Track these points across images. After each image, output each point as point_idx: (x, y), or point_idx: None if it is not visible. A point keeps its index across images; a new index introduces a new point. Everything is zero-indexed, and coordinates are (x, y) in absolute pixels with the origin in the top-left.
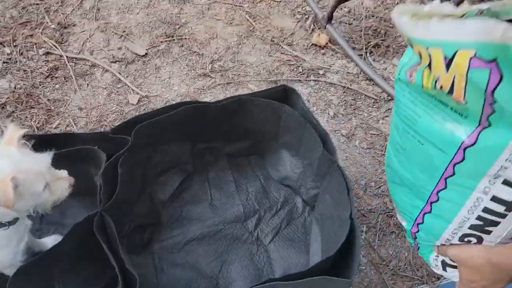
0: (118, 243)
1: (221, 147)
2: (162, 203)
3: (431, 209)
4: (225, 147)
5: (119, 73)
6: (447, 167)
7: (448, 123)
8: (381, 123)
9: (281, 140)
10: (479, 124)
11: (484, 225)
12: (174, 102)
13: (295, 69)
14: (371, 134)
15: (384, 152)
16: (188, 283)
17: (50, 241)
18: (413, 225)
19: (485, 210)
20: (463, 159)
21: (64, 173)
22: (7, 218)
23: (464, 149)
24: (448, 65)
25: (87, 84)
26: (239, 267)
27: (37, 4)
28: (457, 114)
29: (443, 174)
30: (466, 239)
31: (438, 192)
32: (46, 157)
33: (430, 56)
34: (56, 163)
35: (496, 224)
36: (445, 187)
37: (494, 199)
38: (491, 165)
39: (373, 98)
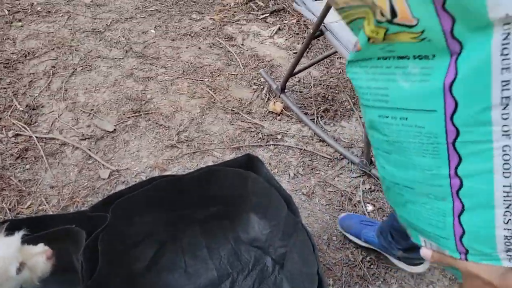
0: None
1: (192, 214)
2: (139, 274)
3: (462, 203)
4: (196, 214)
5: (89, 149)
6: (446, 127)
7: (419, 76)
8: (336, 180)
9: (249, 204)
10: (449, 50)
11: None
12: (144, 174)
13: (255, 135)
14: (329, 191)
15: (341, 206)
16: None
17: None
18: (456, 243)
19: None
20: (456, 103)
21: (40, 247)
22: None
23: (451, 90)
24: None
25: (58, 162)
26: None
27: (5, 88)
28: (423, 60)
29: (447, 140)
30: None
31: (456, 170)
32: (13, 239)
33: None
34: (35, 244)
35: None
36: (460, 158)
37: None
38: (490, 89)
39: (328, 158)
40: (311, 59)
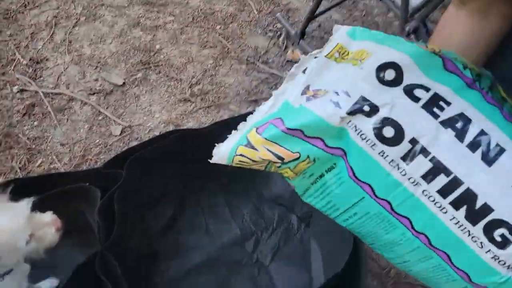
0: (124, 282)
1: (211, 170)
2: (157, 234)
3: (442, 251)
4: (215, 170)
5: (98, 105)
6: (379, 203)
7: (337, 181)
8: None
9: None
10: (337, 155)
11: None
12: (157, 130)
13: (274, 87)
14: None
15: None
16: None
17: (46, 285)
18: (473, 285)
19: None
20: (369, 185)
21: (48, 216)
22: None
23: (359, 179)
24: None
25: (67, 118)
26: None
27: (6, 40)
28: (332, 171)
29: (388, 210)
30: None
31: (414, 229)
32: (23, 207)
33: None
34: (47, 204)
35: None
36: (407, 218)
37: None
38: (379, 163)
39: None
40: (331, 1)
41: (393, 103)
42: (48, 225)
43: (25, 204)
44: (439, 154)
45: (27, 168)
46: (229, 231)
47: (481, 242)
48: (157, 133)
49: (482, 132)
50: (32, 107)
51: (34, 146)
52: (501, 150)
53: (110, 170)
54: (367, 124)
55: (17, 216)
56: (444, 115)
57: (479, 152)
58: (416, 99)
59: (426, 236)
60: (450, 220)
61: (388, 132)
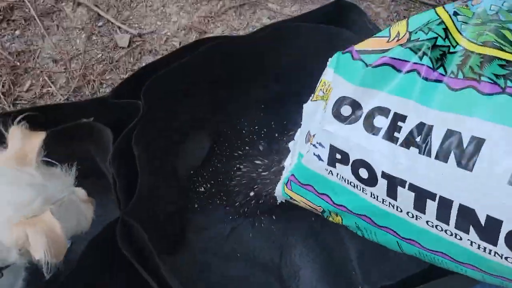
0: (154, 255)
1: (251, 94)
2: (190, 178)
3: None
4: (256, 93)
5: (95, 5)
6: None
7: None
8: None
9: None
10: None
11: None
12: (176, 40)
13: None
14: None
15: None
16: (244, 280)
17: None
18: None
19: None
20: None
21: (81, 192)
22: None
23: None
24: None
25: (57, 25)
26: (304, 250)
27: None
28: None
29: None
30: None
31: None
32: (70, 177)
33: None
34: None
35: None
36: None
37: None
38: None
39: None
40: None
41: (358, 144)
42: (87, 203)
43: (71, 172)
44: (415, 180)
45: (13, 93)
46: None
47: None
48: (176, 43)
49: (449, 133)
50: (11, 11)
51: (19, 63)
52: (479, 143)
53: (122, 101)
54: (347, 171)
55: (68, 186)
56: (401, 136)
57: (452, 159)
58: (377, 131)
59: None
60: (470, 245)
61: (363, 173)
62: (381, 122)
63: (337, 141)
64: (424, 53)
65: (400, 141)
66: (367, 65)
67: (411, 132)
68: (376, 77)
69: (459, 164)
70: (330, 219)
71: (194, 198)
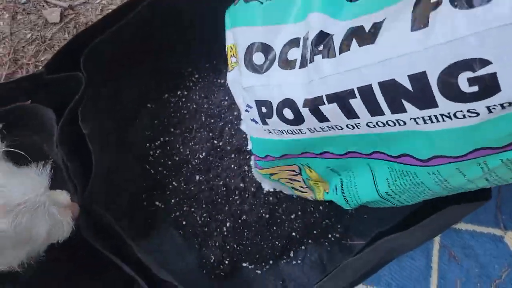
0: (124, 237)
1: (208, 55)
2: (147, 156)
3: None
4: (210, 54)
5: None
6: None
7: None
8: None
9: None
10: None
11: None
12: (113, 7)
13: None
14: None
15: None
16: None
17: None
18: None
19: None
20: None
21: (63, 195)
22: None
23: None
24: None
25: None
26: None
27: None
28: None
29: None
30: None
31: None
32: (43, 176)
33: None
34: None
35: None
36: None
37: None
38: None
39: None
40: None
41: (278, 85)
42: (64, 209)
43: (43, 172)
44: (328, 89)
45: None
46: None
47: None
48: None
49: (350, 30)
50: None
51: None
52: (379, 24)
53: (61, 74)
54: (275, 121)
55: (37, 186)
56: (308, 54)
57: (354, 44)
58: (293, 64)
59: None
60: (416, 123)
61: (288, 113)
62: (295, 53)
63: (259, 93)
64: None
65: (308, 58)
66: (262, 3)
67: (313, 43)
68: (277, 8)
69: (361, 43)
70: (311, 182)
71: (157, 173)
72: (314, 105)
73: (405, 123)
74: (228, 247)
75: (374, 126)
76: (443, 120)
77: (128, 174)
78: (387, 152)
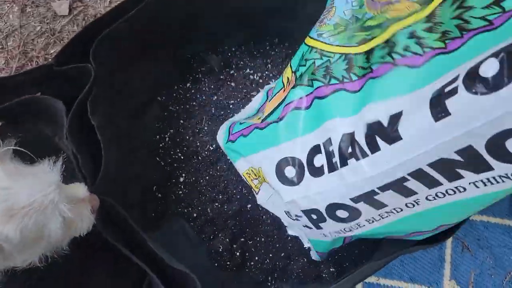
0: (134, 227)
1: (215, 45)
2: (164, 146)
3: None
4: (222, 44)
5: None
6: None
7: None
8: None
9: (303, 15)
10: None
11: None
12: None
13: None
14: None
15: None
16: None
17: None
18: None
19: None
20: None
21: (80, 188)
22: None
23: None
24: None
25: None
26: None
27: None
28: None
29: None
30: None
31: None
32: (52, 174)
33: None
34: None
35: None
36: None
37: None
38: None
39: None
40: None
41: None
42: (83, 202)
43: (54, 169)
44: (378, 183)
45: None
46: None
47: None
48: None
49: (369, 126)
50: None
51: None
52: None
53: (70, 66)
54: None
55: (48, 185)
56: (338, 158)
57: (382, 143)
58: (321, 172)
59: None
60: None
61: (341, 213)
62: (321, 160)
63: (303, 204)
64: (311, 79)
65: (338, 162)
66: (277, 122)
67: (341, 148)
68: (292, 124)
69: (389, 142)
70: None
71: (167, 165)
72: (367, 196)
73: (464, 189)
74: (238, 240)
75: (434, 198)
76: (503, 181)
77: (138, 166)
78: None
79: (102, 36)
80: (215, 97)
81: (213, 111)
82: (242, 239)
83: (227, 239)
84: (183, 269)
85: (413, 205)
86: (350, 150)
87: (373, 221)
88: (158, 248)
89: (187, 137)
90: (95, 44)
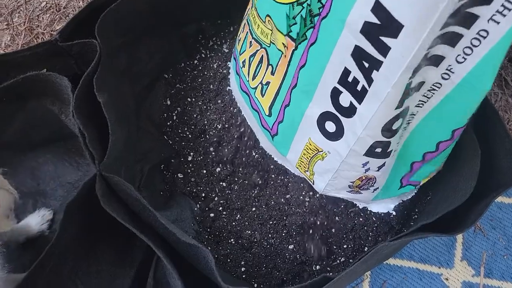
0: (147, 205)
1: (222, 24)
2: (162, 126)
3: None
4: (231, 24)
5: None
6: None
7: None
8: None
9: None
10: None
11: None
12: None
13: None
14: None
15: None
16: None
17: (35, 221)
18: None
19: None
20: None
21: None
22: None
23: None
24: None
25: None
26: None
27: None
28: None
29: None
30: None
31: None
32: None
33: None
34: None
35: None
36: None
37: None
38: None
39: None
40: None
41: None
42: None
43: None
44: None
45: None
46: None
47: None
48: None
49: None
50: None
51: None
52: None
53: (76, 42)
54: None
55: None
56: None
57: None
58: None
59: None
60: None
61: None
62: (345, 98)
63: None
64: (305, 32)
65: (366, 84)
66: None
67: (360, 67)
68: (306, 87)
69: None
70: None
71: (175, 144)
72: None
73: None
74: (248, 221)
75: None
76: None
77: (145, 145)
78: None
79: (107, 11)
80: (222, 72)
81: (220, 88)
82: (255, 221)
83: (238, 221)
84: (195, 244)
85: (448, 76)
86: (366, 64)
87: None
88: (169, 224)
89: (195, 115)
90: (100, 19)
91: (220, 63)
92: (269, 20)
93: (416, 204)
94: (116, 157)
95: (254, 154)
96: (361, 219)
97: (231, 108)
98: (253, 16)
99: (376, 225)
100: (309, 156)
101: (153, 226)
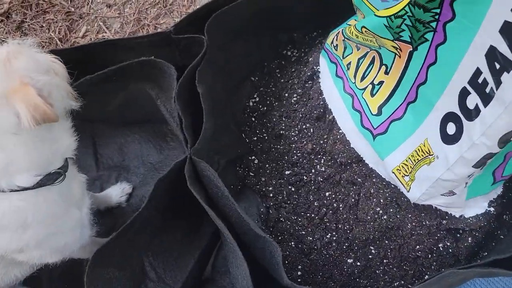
0: (227, 193)
1: (312, 33)
2: (250, 125)
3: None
4: (319, 36)
5: None
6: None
7: None
8: None
9: None
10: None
11: None
12: None
13: None
14: None
15: None
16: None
17: (115, 192)
18: None
19: None
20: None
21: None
22: (56, 162)
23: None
24: None
25: None
26: None
27: None
28: None
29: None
30: None
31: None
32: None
33: None
34: (103, 85)
35: None
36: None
37: None
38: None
39: None
40: None
41: None
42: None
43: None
44: None
45: (69, 39)
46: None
47: None
48: None
49: None
50: None
51: (73, 9)
52: None
53: (187, 35)
54: None
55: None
56: None
57: None
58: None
59: None
60: None
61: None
62: (472, 100)
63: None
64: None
65: (494, 87)
66: None
67: (491, 69)
68: (433, 83)
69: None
70: None
71: (251, 143)
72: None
73: None
74: (311, 228)
75: None
76: None
77: (226, 139)
78: None
79: (219, 12)
80: (307, 82)
81: (302, 96)
82: (322, 227)
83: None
84: (266, 237)
85: None
86: (498, 66)
87: None
88: (244, 214)
89: (274, 119)
90: (211, 18)
91: (304, 74)
92: (365, 31)
93: (486, 243)
94: (204, 144)
95: (324, 162)
96: (429, 246)
97: (308, 116)
98: (350, 30)
99: (441, 256)
100: (417, 159)
101: (226, 214)
